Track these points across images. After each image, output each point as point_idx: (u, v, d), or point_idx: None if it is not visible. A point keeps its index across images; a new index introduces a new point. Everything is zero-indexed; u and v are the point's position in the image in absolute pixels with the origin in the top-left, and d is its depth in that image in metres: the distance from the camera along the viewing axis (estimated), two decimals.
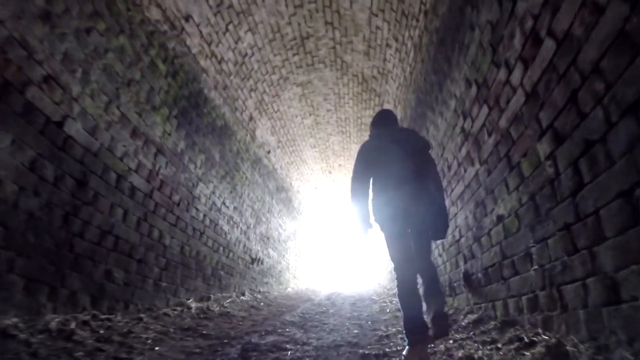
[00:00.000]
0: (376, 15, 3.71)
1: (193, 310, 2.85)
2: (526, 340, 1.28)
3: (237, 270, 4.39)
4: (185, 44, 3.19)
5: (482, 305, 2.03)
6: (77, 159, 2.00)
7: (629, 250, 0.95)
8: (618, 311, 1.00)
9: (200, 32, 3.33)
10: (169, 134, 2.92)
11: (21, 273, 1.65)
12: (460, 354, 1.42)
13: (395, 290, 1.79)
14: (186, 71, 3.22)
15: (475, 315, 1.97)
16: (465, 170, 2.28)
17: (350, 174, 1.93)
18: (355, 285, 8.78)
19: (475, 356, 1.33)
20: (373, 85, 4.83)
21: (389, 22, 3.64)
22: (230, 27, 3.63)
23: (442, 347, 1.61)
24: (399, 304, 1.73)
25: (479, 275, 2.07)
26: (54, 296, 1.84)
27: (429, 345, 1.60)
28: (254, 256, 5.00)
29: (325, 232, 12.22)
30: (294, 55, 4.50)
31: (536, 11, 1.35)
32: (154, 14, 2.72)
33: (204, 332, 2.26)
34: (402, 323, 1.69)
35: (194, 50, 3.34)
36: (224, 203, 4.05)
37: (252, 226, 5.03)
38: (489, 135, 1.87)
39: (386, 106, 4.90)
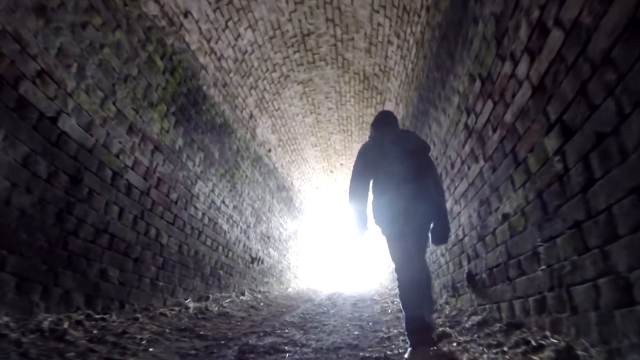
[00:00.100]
0: (377, 12, 3.66)
1: (191, 311, 2.81)
2: (534, 343, 1.22)
3: (237, 269, 4.35)
4: (184, 40, 3.15)
5: (487, 306, 1.97)
6: (71, 155, 1.96)
7: None
8: (632, 313, 0.94)
9: (200, 28, 3.29)
10: (167, 131, 2.88)
11: (13, 271, 1.61)
12: (464, 358, 1.36)
13: (397, 291, 1.76)
14: (185, 68, 3.19)
15: (480, 317, 1.91)
16: (469, 168, 2.22)
17: (350, 175, 1.91)
18: (356, 285, 8.73)
19: None
20: (375, 83, 4.77)
21: (390, 18, 3.59)
22: (230, 23, 3.59)
23: (445, 349, 1.55)
24: (400, 305, 1.70)
25: (484, 275, 2.01)
26: (46, 295, 1.80)
27: (432, 348, 1.55)
28: (254, 255, 4.96)
29: (326, 232, 12.18)
30: (294, 52, 4.46)
31: (542, 1, 1.30)
32: (152, 9, 2.69)
33: (201, 332, 2.21)
34: (403, 324, 1.65)
35: (193, 47, 3.30)
36: (223, 202, 4.01)
37: (252, 225, 4.99)
38: (494, 131, 1.81)
39: (388, 104, 4.84)
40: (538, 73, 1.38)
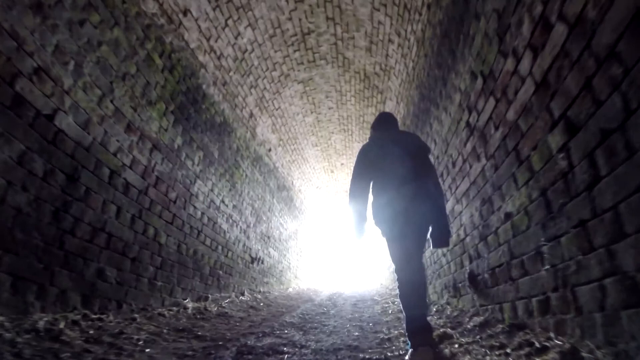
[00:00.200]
0: (378, 10, 3.64)
1: (189, 311, 2.79)
2: (537, 345, 1.19)
3: (237, 269, 4.33)
4: (183, 38, 3.13)
5: (489, 307, 1.94)
6: (68, 154, 1.94)
7: None
8: (639, 314, 0.91)
9: (199, 26, 3.28)
10: (166, 130, 2.86)
11: (8, 270, 1.59)
12: None
13: (397, 291, 1.74)
14: (184, 66, 3.17)
15: (482, 318, 1.88)
16: (470, 167, 2.19)
17: (350, 176, 1.90)
18: (357, 285, 8.71)
19: None
20: (375, 82, 4.75)
21: (391, 16, 3.56)
22: (230, 22, 3.57)
23: (447, 351, 1.52)
24: (400, 305, 1.68)
25: (485, 275, 1.98)
26: (42, 295, 1.78)
27: (434, 349, 1.52)
28: (254, 255, 4.93)
29: (327, 232, 12.15)
30: (294, 51, 4.44)
31: None
32: (150, 7, 2.67)
33: (199, 333, 2.19)
34: (404, 325, 1.62)
35: (192, 45, 3.29)
36: (222, 201, 3.98)
37: (252, 225, 4.97)
38: (496, 128, 1.78)
39: (389, 103, 4.82)
40: (541, 69, 1.36)
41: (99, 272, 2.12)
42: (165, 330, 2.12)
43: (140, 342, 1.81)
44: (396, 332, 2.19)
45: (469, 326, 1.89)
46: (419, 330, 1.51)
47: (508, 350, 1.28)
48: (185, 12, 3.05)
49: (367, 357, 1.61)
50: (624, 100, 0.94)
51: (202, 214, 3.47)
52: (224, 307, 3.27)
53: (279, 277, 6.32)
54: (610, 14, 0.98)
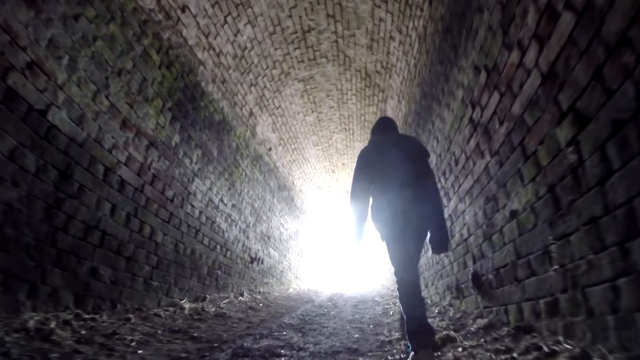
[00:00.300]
0: (379, 7, 3.59)
1: (186, 311, 2.74)
2: (546, 349, 1.13)
3: (236, 269, 4.28)
4: (181, 34, 3.10)
5: (493, 309, 1.87)
6: (61, 150, 1.90)
7: None
8: None
9: (197, 23, 3.24)
10: (163, 127, 2.82)
11: None
12: None
13: (397, 293, 1.69)
14: (182, 63, 3.13)
15: (486, 320, 1.82)
16: (474, 164, 2.13)
17: (351, 179, 1.91)
18: (358, 285, 8.64)
19: None
20: (376, 80, 4.69)
21: (392, 13, 3.51)
22: (229, 19, 3.53)
23: (450, 355, 1.46)
24: (401, 307, 1.63)
25: (490, 276, 1.92)
26: (33, 293, 1.73)
27: (436, 353, 1.46)
28: (253, 255, 4.88)
29: (328, 232, 12.09)
30: (295, 49, 4.39)
31: None
32: (148, 2, 2.63)
33: (195, 334, 2.13)
34: (404, 327, 1.57)
35: (191, 42, 3.25)
36: (221, 200, 3.94)
37: (251, 225, 4.92)
38: (501, 124, 1.72)
39: (390, 101, 4.76)
40: (548, 60, 1.30)
41: (92, 271, 2.08)
42: (160, 331, 2.07)
43: (133, 343, 1.76)
44: (397, 334, 2.13)
45: (472, 329, 1.82)
46: (420, 331, 1.48)
47: (515, 355, 1.21)
48: (184, 8, 3.02)
49: None
50: (636, 89, 0.89)
51: (200, 212, 3.43)
52: (222, 308, 3.22)
53: (279, 277, 6.26)
54: None
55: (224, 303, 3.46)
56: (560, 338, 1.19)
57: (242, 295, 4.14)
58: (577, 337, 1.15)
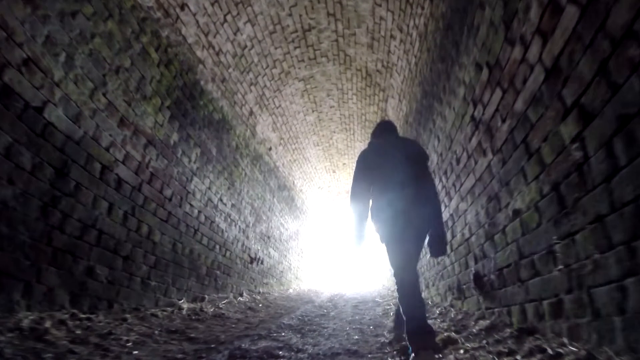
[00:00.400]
0: (380, 5, 3.56)
1: (184, 312, 2.71)
2: (550, 351, 1.09)
3: (235, 269, 4.25)
4: (180, 33, 3.08)
5: (496, 310, 1.84)
6: (57, 147, 1.88)
7: None
8: None
9: (197, 21, 3.22)
10: (161, 125, 2.80)
11: None
12: None
13: (397, 294, 1.68)
14: (181, 61, 3.11)
15: (488, 322, 1.78)
16: (476, 162, 2.09)
17: (351, 181, 1.92)
18: (359, 286, 8.61)
19: None
20: (377, 80, 4.67)
21: (393, 11, 3.48)
22: (229, 17, 3.51)
23: (451, 357, 1.43)
24: (401, 309, 1.61)
25: (492, 276, 1.88)
26: (29, 292, 1.71)
27: (437, 355, 1.42)
28: (253, 255, 4.85)
29: (329, 233, 12.05)
30: (295, 48, 4.37)
31: None
32: (147, 0, 2.62)
33: (192, 335, 2.11)
34: (404, 328, 1.56)
35: (190, 40, 3.23)
36: (220, 200, 3.91)
37: (251, 224, 4.89)
38: (503, 121, 1.69)
39: (391, 101, 4.73)
40: (551, 55, 1.27)
41: (88, 270, 2.05)
42: (156, 332, 2.04)
43: (129, 344, 1.74)
44: (392, 335, 2.09)
45: (474, 330, 1.78)
46: (420, 332, 1.46)
47: (518, 357, 1.18)
48: (183, 6, 3.00)
49: None
50: None
51: (199, 212, 3.40)
52: (220, 308, 3.19)
53: (279, 278, 6.23)
54: None
55: (223, 303, 3.44)
56: (565, 340, 1.16)
57: (241, 295, 4.11)
58: (582, 339, 1.11)
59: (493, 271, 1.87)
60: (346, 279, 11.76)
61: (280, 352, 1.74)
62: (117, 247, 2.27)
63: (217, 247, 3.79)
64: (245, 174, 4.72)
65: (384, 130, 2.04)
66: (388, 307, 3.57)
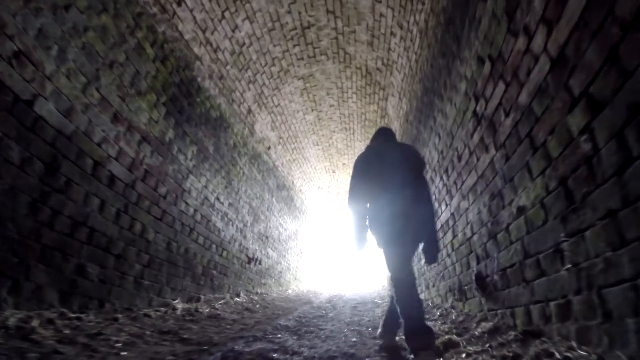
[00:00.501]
0: (379, 2, 3.51)
1: (178, 312, 2.65)
2: (558, 356, 1.03)
3: (232, 270, 4.18)
4: (177, 28, 3.04)
5: (498, 311, 1.77)
6: (47, 142, 1.83)
7: None
8: None
9: (194, 17, 3.18)
10: (156, 122, 2.75)
11: None
12: None
13: (395, 296, 1.66)
14: (177, 57, 3.06)
15: (490, 324, 1.71)
16: (478, 159, 2.03)
17: (349, 185, 1.95)
18: (358, 287, 8.53)
19: None
20: (377, 78, 4.61)
21: (393, 8, 3.44)
22: (227, 14, 3.47)
23: None
24: (399, 310, 1.59)
25: (495, 277, 1.82)
26: (16, 290, 1.66)
27: (437, 358, 1.36)
28: (251, 255, 4.79)
29: (329, 233, 11.98)
30: (294, 46, 4.33)
31: None
32: None
33: (185, 336, 2.04)
34: (402, 330, 1.54)
35: (187, 37, 3.19)
36: (217, 198, 3.86)
37: (249, 224, 4.83)
38: (507, 115, 1.63)
39: (391, 99, 4.68)
40: (557, 44, 1.22)
41: (79, 269, 2.00)
42: (148, 332, 1.98)
43: (118, 344, 1.68)
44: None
45: (476, 333, 1.72)
46: (419, 331, 1.46)
47: None
48: (180, 2, 2.96)
49: None
50: None
51: (195, 210, 3.35)
52: (216, 309, 3.13)
53: (278, 278, 6.16)
54: None
55: (219, 304, 3.37)
56: (574, 344, 1.09)
57: (238, 296, 4.05)
58: (592, 343, 1.05)
59: (496, 271, 1.80)
60: (346, 280, 11.68)
61: (275, 355, 1.68)
62: (109, 245, 2.21)
63: (214, 246, 3.73)
64: (243, 172, 4.66)
65: (382, 135, 2.08)
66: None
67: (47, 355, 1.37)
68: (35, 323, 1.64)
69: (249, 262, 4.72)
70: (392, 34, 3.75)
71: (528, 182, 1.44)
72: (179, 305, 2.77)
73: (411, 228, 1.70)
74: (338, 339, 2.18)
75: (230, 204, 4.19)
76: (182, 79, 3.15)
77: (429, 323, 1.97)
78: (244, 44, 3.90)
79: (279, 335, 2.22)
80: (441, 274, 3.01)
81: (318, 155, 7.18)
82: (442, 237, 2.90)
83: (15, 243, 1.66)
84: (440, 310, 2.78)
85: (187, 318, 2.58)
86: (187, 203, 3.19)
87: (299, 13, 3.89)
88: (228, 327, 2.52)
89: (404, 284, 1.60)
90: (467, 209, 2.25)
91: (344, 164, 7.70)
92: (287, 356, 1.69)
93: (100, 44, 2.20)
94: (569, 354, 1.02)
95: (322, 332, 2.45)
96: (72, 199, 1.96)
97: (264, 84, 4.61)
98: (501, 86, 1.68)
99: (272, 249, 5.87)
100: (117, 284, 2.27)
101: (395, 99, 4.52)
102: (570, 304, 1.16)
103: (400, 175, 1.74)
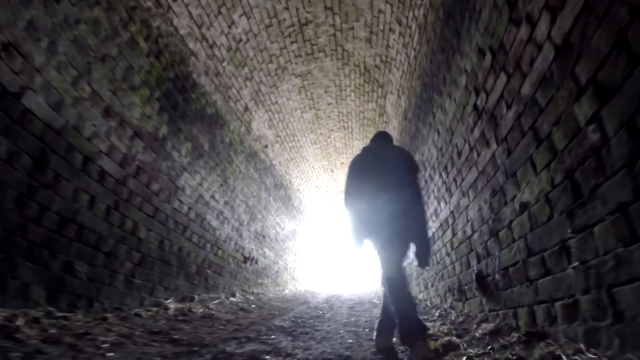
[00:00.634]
0: None
1: (171, 312, 2.58)
2: (565, 359, 0.97)
3: (227, 269, 4.12)
4: (172, 23, 2.98)
5: (500, 312, 1.71)
6: (36, 136, 1.77)
7: None
8: None
9: (190, 12, 3.12)
10: (149, 117, 2.69)
11: None
12: None
13: (390, 296, 1.69)
14: (172, 52, 3.01)
15: (492, 325, 1.65)
16: (478, 154, 1.97)
17: (344, 186, 1.98)
18: (356, 287, 8.47)
19: None
20: (376, 75, 4.56)
21: (391, 4, 3.38)
22: (223, 9, 3.41)
23: None
24: (394, 309, 1.60)
25: (496, 276, 1.75)
26: (2, 288, 1.60)
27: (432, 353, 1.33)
28: (247, 255, 4.72)
29: (327, 233, 11.91)
30: (292, 43, 4.27)
31: None
32: None
33: (176, 337, 1.98)
34: (396, 329, 1.58)
35: (182, 32, 3.13)
36: (212, 196, 3.79)
37: (245, 223, 4.76)
38: (509, 107, 1.58)
39: (389, 97, 4.63)
40: (562, 31, 1.16)
41: (67, 266, 1.93)
42: (138, 333, 1.92)
43: (105, 345, 1.61)
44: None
45: (477, 334, 1.65)
46: (413, 328, 1.49)
47: None
48: None
49: None
50: None
51: (189, 208, 3.28)
52: (210, 309, 3.06)
53: (275, 278, 6.09)
54: None
55: (214, 304, 3.31)
56: (582, 346, 1.03)
57: (233, 295, 3.98)
58: (602, 345, 0.98)
59: (497, 270, 1.74)
60: (344, 280, 11.61)
61: (267, 357, 1.62)
62: (98, 243, 2.15)
63: (208, 245, 3.66)
64: (240, 171, 4.60)
65: (379, 137, 2.13)
66: None
67: (31, 355, 1.31)
68: (20, 322, 1.58)
69: (245, 262, 4.65)
70: (390, 30, 3.69)
71: (532, 176, 1.38)
72: (172, 305, 2.71)
73: (400, 230, 1.73)
74: (334, 340, 2.12)
75: (225, 203, 4.13)
76: (177, 75, 3.10)
77: (427, 324, 1.92)
78: (241, 40, 3.85)
79: (273, 337, 2.16)
80: (440, 274, 2.95)
81: (316, 154, 7.12)
82: (442, 236, 2.83)
83: (1, 239, 1.60)
84: (439, 310, 2.72)
85: (180, 318, 2.51)
86: (180, 201, 3.12)
87: (297, 9, 3.84)
88: (221, 327, 2.46)
89: (398, 284, 1.62)
90: (467, 206, 2.20)
91: (342, 163, 7.64)
92: (280, 358, 1.63)
93: (92, 37, 2.14)
94: (576, 357, 0.96)
95: (318, 333, 2.39)
96: (61, 195, 1.90)
97: (261, 81, 4.55)
98: (503, 78, 1.62)
99: (269, 248, 5.80)
100: (107, 283, 2.20)
101: (394, 96, 4.47)
102: (577, 303, 1.10)
103: (395, 179, 1.78)
